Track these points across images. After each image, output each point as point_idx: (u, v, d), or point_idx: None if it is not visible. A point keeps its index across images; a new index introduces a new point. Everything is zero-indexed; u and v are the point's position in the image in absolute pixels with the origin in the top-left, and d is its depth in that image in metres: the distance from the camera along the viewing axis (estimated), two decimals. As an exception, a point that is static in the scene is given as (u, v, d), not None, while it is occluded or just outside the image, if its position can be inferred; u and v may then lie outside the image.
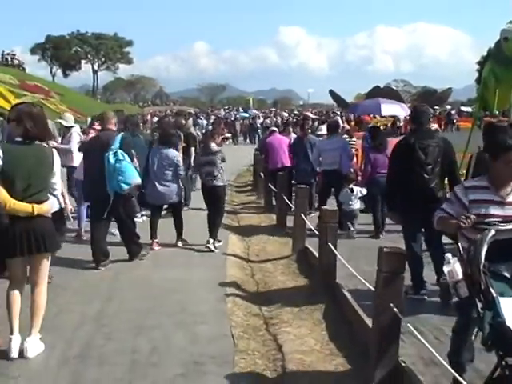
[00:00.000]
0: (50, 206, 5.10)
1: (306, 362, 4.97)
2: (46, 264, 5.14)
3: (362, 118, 20.53)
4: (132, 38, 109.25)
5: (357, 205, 10.49)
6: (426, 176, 6.67)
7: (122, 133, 8.82)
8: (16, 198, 4.80)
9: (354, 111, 21.71)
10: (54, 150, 5.29)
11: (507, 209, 4.16)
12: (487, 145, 4.55)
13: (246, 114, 47.38)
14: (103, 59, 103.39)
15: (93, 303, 5.81)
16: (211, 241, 9.01)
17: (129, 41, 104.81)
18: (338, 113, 33.34)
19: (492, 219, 4.08)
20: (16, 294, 5.05)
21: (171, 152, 9.23)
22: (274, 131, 13.94)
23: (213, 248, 8.94)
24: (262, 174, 14.43)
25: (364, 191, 10.40)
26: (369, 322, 4.92)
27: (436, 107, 52.07)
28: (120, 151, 7.90)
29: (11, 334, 4.95)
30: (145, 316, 6.00)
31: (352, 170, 11.24)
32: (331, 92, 24.92)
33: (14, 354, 4.90)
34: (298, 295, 6.81)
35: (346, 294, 6.13)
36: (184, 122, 13.45)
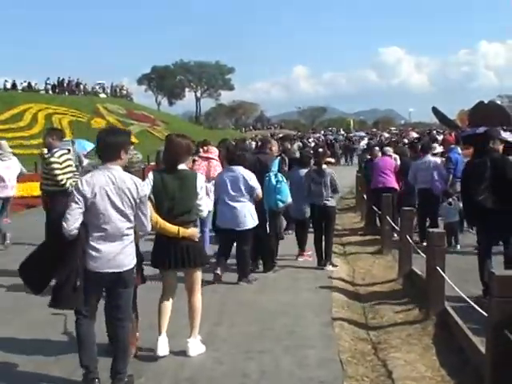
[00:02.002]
0: (194, 231, 5.57)
1: (417, 388, 4.88)
2: (197, 275, 5.69)
3: (446, 137, 20.00)
4: (233, 64, 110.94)
5: (456, 217, 10.84)
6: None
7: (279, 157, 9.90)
8: (164, 219, 5.38)
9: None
10: (199, 174, 5.80)
11: None
12: None
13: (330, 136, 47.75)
14: (205, 87, 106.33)
15: (203, 327, 5.96)
16: (327, 264, 9.37)
17: (230, 68, 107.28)
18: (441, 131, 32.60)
19: None
20: (167, 303, 5.63)
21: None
22: (385, 154, 13.42)
23: (331, 268, 9.28)
24: (364, 196, 14.32)
25: (460, 204, 10.42)
26: (482, 348, 4.78)
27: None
28: (279, 173, 9.14)
29: (159, 334, 5.50)
30: (253, 340, 6.07)
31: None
32: (434, 109, 24.53)
33: (160, 352, 5.44)
34: (406, 319, 6.72)
35: (457, 319, 5.97)
36: (289, 146, 13.64)
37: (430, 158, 11.56)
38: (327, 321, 6.64)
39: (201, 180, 5.60)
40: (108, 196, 4.57)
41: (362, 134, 42.25)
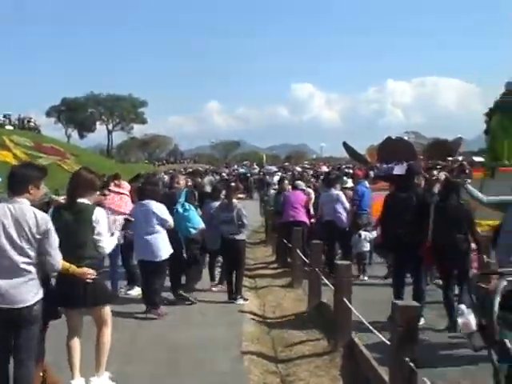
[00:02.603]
0: (84, 270, 5.26)
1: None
2: (101, 312, 5.53)
3: (355, 171, 20.66)
4: (146, 98, 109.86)
5: (366, 247, 11.45)
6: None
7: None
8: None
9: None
10: (98, 208, 5.54)
11: None
12: None
13: (243, 170, 48.30)
14: (117, 120, 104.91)
15: (112, 365, 5.78)
16: (238, 298, 9.43)
17: (143, 101, 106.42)
18: (350, 166, 33.48)
19: None
20: (72, 342, 5.46)
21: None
22: (296, 187, 13.53)
23: (242, 302, 9.36)
24: (274, 229, 14.48)
25: (372, 234, 11.21)
26: (386, 376, 4.88)
27: (450, 158, 52.37)
28: (186, 203, 9.47)
29: (72, 378, 5.36)
30: (164, 377, 5.98)
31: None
32: (345, 145, 25.15)
33: None
34: (314, 351, 6.79)
35: (363, 349, 6.08)
36: (200, 180, 13.67)
37: (333, 191, 11.95)
38: (237, 355, 6.63)
39: (98, 214, 5.40)
40: (4, 228, 4.42)
41: (274, 168, 42.71)
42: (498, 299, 3.68)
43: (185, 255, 9.31)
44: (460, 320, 3.81)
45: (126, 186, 10.32)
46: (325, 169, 32.97)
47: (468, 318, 3.76)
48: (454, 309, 7.21)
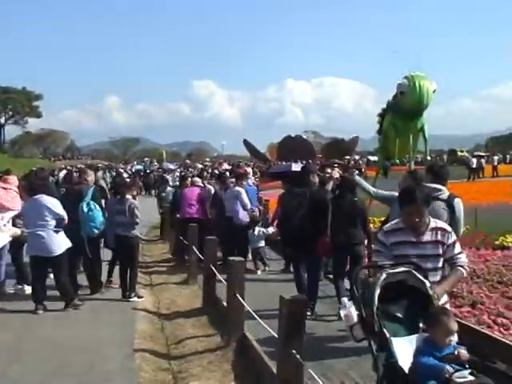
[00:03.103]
0: None
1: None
2: None
3: (238, 170, 21.05)
4: (41, 91, 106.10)
5: (261, 243, 11.85)
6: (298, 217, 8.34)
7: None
8: None
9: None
10: None
11: (422, 248, 4.43)
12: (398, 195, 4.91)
13: (140, 167, 47.92)
14: (11, 113, 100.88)
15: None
16: (132, 295, 9.29)
17: (38, 94, 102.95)
18: (251, 164, 33.81)
19: (408, 259, 4.30)
20: None
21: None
22: (194, 184, 13.54)
23: (137, 299, 9.25)
24: (172, 226, 14.41)
25: (269, 230, 11.80)
26: (275, 369, 4.97)
27: (347, 157, 53.75)
28: (92, 202, 9.27)
29: None
30: (50, 378, 5.80)
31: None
32: (245, 142, 25.20)
33: None
34: (207, 347, 6.81)
35: (254, 343, 6.18)
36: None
37: (236, 188, 12.01)
38: (129, 353, 6.54)
39: None
40: None
41: (171, 166, 42.41)
42: (377, 291, 3.83)
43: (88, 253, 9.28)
44: (342, 312, 3.93)
45: (13, 182, 9.89)
46: (226, 166, 33.15)
47: (350, 311, 3.88)
48: None
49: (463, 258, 4.60)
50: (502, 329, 6.37)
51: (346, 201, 8.31)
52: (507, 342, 5.88)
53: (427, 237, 4.47)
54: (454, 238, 4.56)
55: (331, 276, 9.40)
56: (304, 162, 47.80)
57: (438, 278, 4.48)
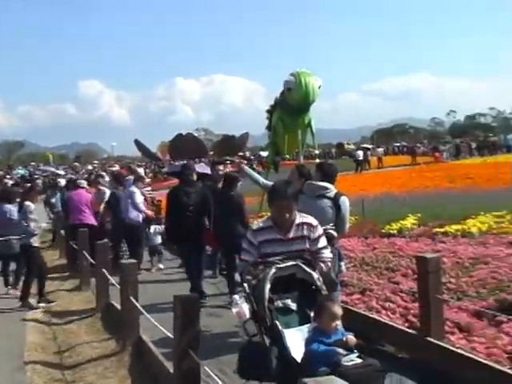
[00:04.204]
0: None
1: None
2: None
3: (119, 171, 21.11)
4: None
5: (157, 241, 12.11)
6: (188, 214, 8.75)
7: None
8: None
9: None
10: None
11: (290, 244, 4.45)
12: (269, 191, 4.89)
13: (22, 172, 46.40)
14: None
15: None
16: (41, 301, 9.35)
17: None
18: (142, 164, 33.42)
19: (277, 257, 4.33)
20: None
21: None
22: (78, 186, 13.22)
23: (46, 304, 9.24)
24: (62, 232, 14.01)
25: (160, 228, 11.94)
26: (172, 369, 4.95)
27: (240, 153, 54.17)
28: None
29: None
30: None
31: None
32: (136, 142, 24.83)
33: None
34: (102, 353, 6.67)
35: (150, 345, 6.12)
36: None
37: (131, 188, 11.92)
38: (18, 366, 6.30)
39: None
40: None
41: (51, 168, 41.19)
42: (267, 286, 3.90)
43: None
44: (234, 309, 3.98)
45: None
46: (117, 168, 32.68)
47: (241, 307, 3.93)
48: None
49: (327, 254, 4.67)
50: (389, 313, 6.64)
51: (227, 196, 8.79)
52: (394, 325, 6.16)
53: (293, 233, 4.50)
54: (319, 232, 4.63)
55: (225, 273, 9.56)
56: (197, 160, 47.92)
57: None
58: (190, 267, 9.03)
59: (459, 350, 5.23)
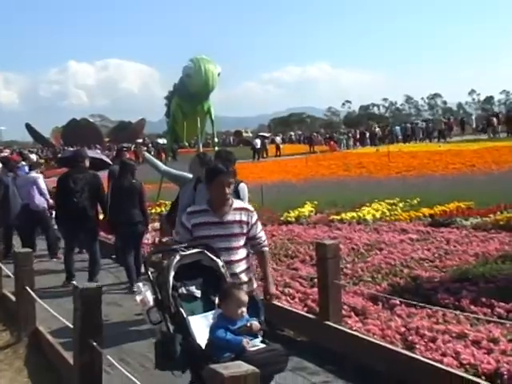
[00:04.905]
0: None
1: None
2: None
3: (12, 156, 20.45)
4: None
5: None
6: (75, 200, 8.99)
7: None
8: None
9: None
10: None
11: (226, 227, 4.43)
12: (205, 172, 4.75)
13: None
14: None
15: None
16: None
17: None
18: (34, 150, 32.29)
19: (213, 239, 4.34)
20: None
21: None
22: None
23: None
24: None
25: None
26: (72, 360, 4.85)
27: (139, 140, 53.39)
28: None
29: None
30: None
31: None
32: (28, 126, 24.08)
33: None
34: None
35: (48, 336, 5.97)
36: None
37: (31, 174, 11.90)
38: None
39: None
40: None
41: None
42: (172, 274, 3.90)
43: None
44: (138, 297, 3.95)
45: None
46: (7, 153, 31.49)
47: (145, 295, 3.91)
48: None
49: (264, 237, 4.74)
50: (288, 298, 6.80)
51: (126, 182, 8.86)
52: (293, 310, 6.33)
53: (231, 217, 4.48)
54: (256, 217, 4.65)
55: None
56: (92, 146, 46.88)
57: (243, 255, 4.56)
58: (71, 254, 9.44)
59: (356, 333, 5.45)
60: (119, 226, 8.89)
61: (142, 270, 8.69)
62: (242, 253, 4.56)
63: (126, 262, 8.79)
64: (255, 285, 4.77)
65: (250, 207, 4.74)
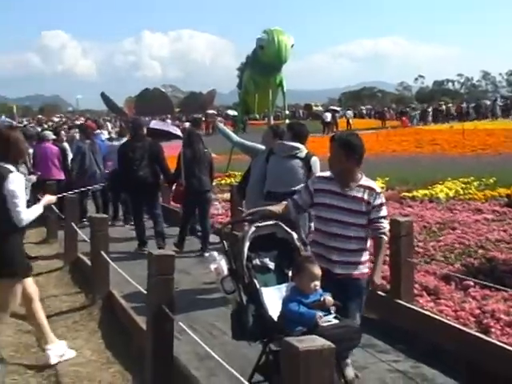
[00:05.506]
0: None
1: (81, 373, 4.88)
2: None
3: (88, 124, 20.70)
4: None
5: None
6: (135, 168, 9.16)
7: None
8: None
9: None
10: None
11: (346, 201, 4.24)
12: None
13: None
14: None
15: None
16: None
17: None
18: (108, 118, 32.94)
19: (330, 209, 4.27)
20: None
21: None
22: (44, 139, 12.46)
23: None
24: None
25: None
26: (144, 325, 4.96)
27: (209, 111, 53.68)
28: None
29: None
30: None
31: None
32: (103, 96, 24.50)
33: None
34: (72, 307, 6.67)
35: (121, 300, 6.13)
36: None
37: (122, 140, 11.65)
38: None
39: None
40: None
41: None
42: (247, 244, 3.90)
43: None
44: (212, 266, 3.97)
45: None
46: (82, 121, 32.18)
47: (220, 264, 3.93)
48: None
49: (385, 224, 4.34)
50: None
51: (199, 151, 9.04)
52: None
53: (354, 192, 4.25)
54: (382, 200, 4.32)
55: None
56: (163, 116, 47.48)
57: (356, 234, 4.29)
58: (140, 222, 9.61)
59: (428, 313, 5.35)
60: (191, 193, 9.07)
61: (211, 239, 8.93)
62: (357, 232, 4.28)
63: (185, 225, 9.39)
64: (364, 270, 4.40)
65: (377, 188, 4.38)
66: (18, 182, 4.87)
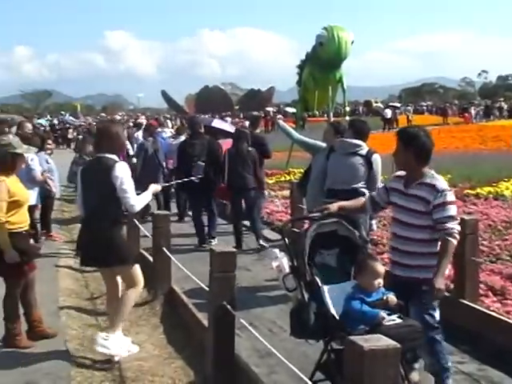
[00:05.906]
0: None
1: (144, 367, 4.96)
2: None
3: (150, 122, 20.96)
4: None
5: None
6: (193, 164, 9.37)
7: None
8: None
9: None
10: None
11: (407, 200, 4.14)
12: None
13: (41, 121, 45.06)
14: None
15: None
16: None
17: None
18: (168, 116, 33.33)
19: (396, 208, 4.26)
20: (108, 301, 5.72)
21: None
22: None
23: None
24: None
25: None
26: (205, 321, 5.00)
27: (268, 108, 53.87)
28: None
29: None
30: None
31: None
32: (164, 94, 24.84)
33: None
34: (135, 302, 6.74)
35: (182, 296, 6.20)
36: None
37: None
38: (53, 311, 6.37)
39: None
40: None
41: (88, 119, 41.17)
42: (308, 242, 3.88)
43: None
44: (274, 263, 3.97)
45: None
46: (143, 119, 32.77)
47: (281, 261, 3.92)
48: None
49: (451, 225, 3.99)
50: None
51: (242, 150, 9.28)
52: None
53: (414, 190, 4.11)
54: (446, 198, 4.03)
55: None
56: (222, 114, 47.83)
57: (420, 236, 4.08)
58: (199, 218, 9.77)
59: (493, 313, 5.21)
60: (234, 191, 9.38)
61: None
62: (420, 233, 4.08)
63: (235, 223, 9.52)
64: (427, 275, 4.04)
65: (441, 186, 4.06)
66: (125, 171, 5.07)
